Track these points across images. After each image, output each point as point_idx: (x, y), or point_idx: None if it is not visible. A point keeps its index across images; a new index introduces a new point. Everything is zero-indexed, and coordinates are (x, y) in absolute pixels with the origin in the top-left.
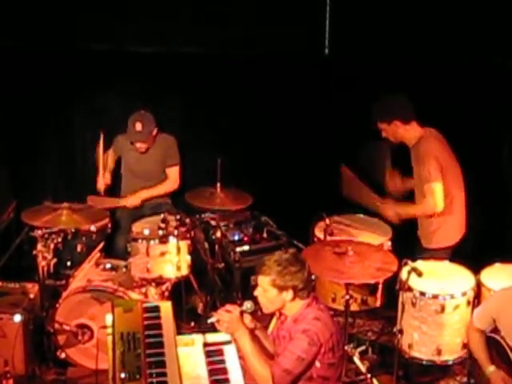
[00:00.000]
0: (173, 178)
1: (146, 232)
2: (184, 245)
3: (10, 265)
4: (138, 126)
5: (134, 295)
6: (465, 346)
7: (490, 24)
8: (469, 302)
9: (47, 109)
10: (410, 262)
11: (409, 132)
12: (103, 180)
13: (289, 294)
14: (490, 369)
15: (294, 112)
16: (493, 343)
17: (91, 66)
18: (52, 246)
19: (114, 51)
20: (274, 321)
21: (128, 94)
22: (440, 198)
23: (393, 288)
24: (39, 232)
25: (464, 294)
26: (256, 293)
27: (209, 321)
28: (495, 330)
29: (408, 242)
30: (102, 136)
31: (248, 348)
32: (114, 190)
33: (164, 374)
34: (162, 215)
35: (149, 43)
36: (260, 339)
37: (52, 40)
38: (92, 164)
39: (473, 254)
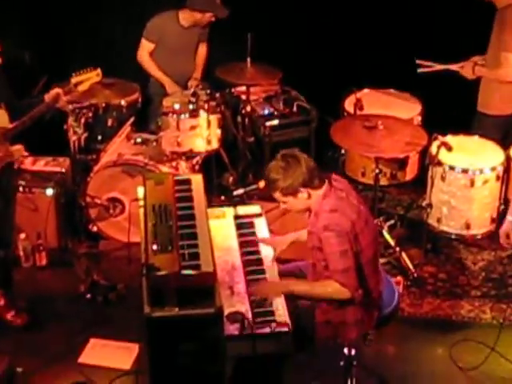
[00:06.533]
0: (202, 53)
1: (177, 106)
2: (214, 119)
3: (41, 139)
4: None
5: (165, 169)
6: (493, 220)
7: None
8: (498, 177)
9: None
10: (440, 137)
11: None
12: None
13: (304, 193)
14: None
15: None
16: None
17: None
18: (83, 120)
19: None
20: None
21: None
22: None
23: (423, 162)
24: (70, 106)
25: (493, 169)
26: (281, 208)
27: (235, 193)
28: None
29: (438, 117)
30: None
31: (302, 290)
32: None
33: (196, 246)
34: (192, 89)
35: None
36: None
37: None
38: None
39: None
